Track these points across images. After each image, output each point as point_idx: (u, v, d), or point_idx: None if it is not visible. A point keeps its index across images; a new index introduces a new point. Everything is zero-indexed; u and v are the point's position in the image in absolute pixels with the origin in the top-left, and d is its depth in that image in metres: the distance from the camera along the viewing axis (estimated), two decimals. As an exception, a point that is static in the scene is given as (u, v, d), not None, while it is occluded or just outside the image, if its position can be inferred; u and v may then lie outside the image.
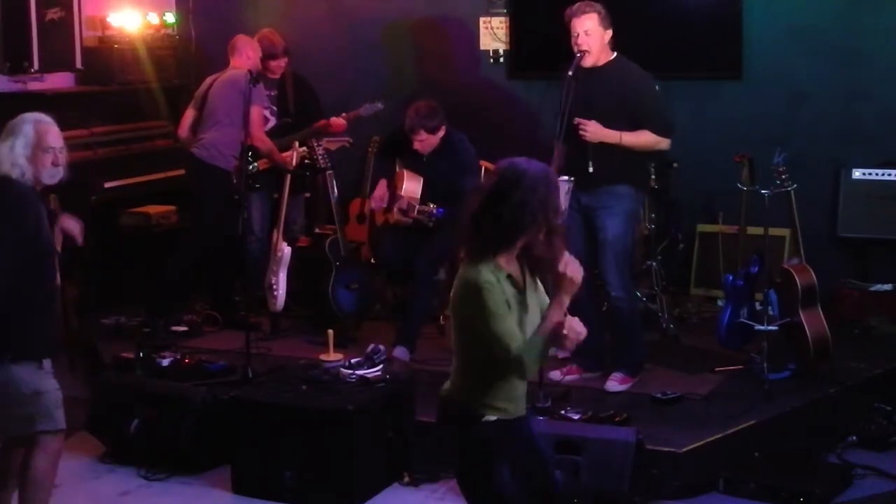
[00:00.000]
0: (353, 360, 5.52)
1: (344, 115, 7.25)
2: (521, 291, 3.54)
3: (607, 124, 5.49)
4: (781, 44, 7.07)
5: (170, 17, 8.25)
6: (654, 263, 6.63)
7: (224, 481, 5.27)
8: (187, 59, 8.31)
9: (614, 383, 5.68)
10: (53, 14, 7.44)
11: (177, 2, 8.51)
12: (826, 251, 6.76)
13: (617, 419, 5.16)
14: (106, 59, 7.76)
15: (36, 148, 4.28)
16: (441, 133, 6.30)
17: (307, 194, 7.50)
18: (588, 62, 5.52)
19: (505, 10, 7.75)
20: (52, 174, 4.35)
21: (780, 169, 5.75)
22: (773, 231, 6.03)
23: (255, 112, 6.55)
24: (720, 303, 6.50)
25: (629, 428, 4.98)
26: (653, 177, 6.63)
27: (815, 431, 5.47)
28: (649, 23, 7.17)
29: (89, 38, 7.82)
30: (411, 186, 6.38)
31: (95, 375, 5.95)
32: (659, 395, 5.53)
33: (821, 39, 6.99)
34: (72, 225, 4.77)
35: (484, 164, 6.36)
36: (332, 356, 5.99)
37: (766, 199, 5.70)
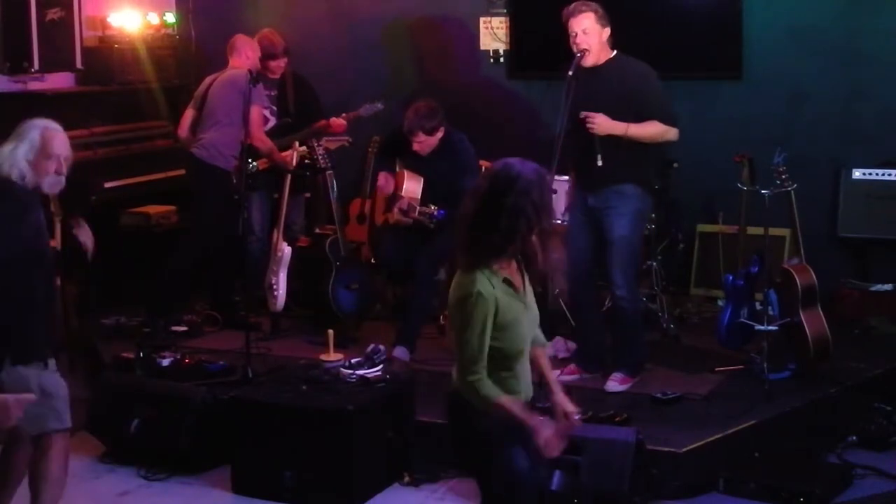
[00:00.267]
0: (353, 360, 5.52)
1: (344, 115, 7.25)
2: (518, 292, 3.56)
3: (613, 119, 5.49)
4: (781, 44, 7.07)
5: (170, 17, 8.25)
6: (654, 263, 6.63)
7: (224, 481, 5.27)
8: (187, 59, 8.31)
9: (614, 383, 5.68)
10: (53, 14, 7.44)
11: (177, 2, 8.51)
12: (826, 251, 6.76)
13: (617, 419, 5.15)
14: (106, 59, 7.76)
15: (40, 154, 4.26)
16: (440, 134, 6.30)
17: (307, 194, 7.50)
18: (588, 61, 5.52)
19: (505, 10, 7.76)
20: (53, 182, 4.32)
21: (780, 169, 5.75)
22: (774, 231, 6.03)
23: (255, 112, 6.56)
24: (720, 303, 6.50)
25: (629, 428, 4.98)
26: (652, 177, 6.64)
27: (815, 431, 5.47)
28: (649, 23, 7.17)
29: (89, 38, 7.82)
30: (412, 186, 6.38)
31: (95, 375, 5.94)
32: (659, 395, 5.53)
33: (821, 39, 6.99)
34: (86, 237, 4.76)
35: (484, 164, 6.36)
36: (332, 356, 5.99)
37: (767, 199, 5.70)
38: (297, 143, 6.86)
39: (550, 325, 5.59)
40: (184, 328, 6.84)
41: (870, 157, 6.93)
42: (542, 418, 3.59)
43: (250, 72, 6.50)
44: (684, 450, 4.98)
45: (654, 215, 6.66)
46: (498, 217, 3.45)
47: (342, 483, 5.03)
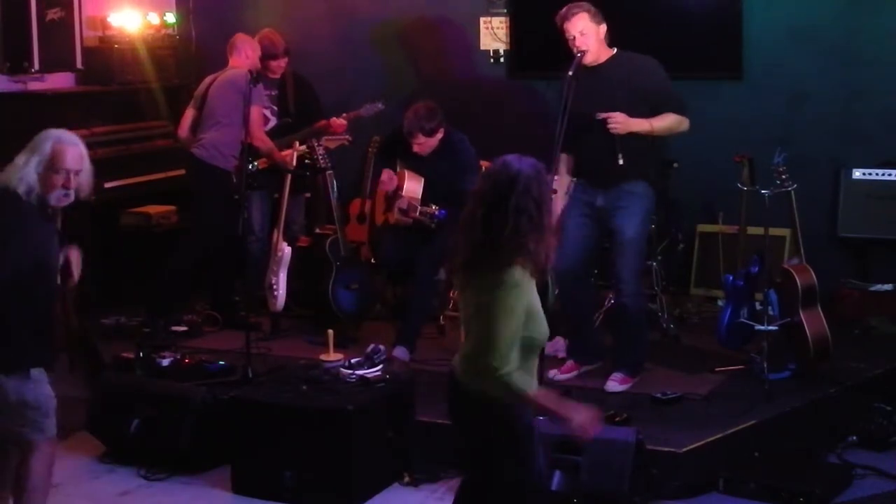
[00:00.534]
0: (353, 360, 5.52)
1: (344, 115, 7.25)
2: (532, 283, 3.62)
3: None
4: (781, 44, 7.08)
5: (170, 17, 8.25)
6: (654, 263, 6.63)
7: (224, 481, 5.26)
8: (187, 59, 8.31)
9: (614, 383, 5.68)
10: (53, 14, 7.44)
11: (177, 2, 8.51)
12: (826, 251, 6.76)
13: (617, 419, 5.15)
14: (106, 59, 7.76)
15: (48, 168, 4.20)
16: (439, 135, 6.29)
17: (307, 194, 7.50)
18: (588, 60, 5.51)
19: (505, 10, 7.76)
20: (60, 196, 4.24)
21: (780, 169, 5.75)
22: (774, 231, 6.03)
23: (255, 112, 6.55)
24: (720, 303, 6.50)
25: (629, 428, 4.98)
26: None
27: (815, 431, 5.47)
28: (649, 23, 7.17)
29: (89, 38, 7.82)
30: (412, 187, 6.38)
31: (95, 375, 5.94)
32: (659, 395, 5.53)
33: (821, 39, 6.99)
34: (74, 259, 4.55)
35: (484, 164, 6.36)
36: (332, 356, 5.99)
37: (767, 199, 5.70)
38: (297, 143, 6.86)
39: (551, 325, 5.57)
40: (184, 328, 6.84)
41: (870, 157, 6.93)
42: (574, 404, 3.59)
43: (250, 72, 6.50)
44: (684, 450, 4.98)
45: (654, 215, 6.66)
46: (505, 217, 3.49)
47: (342, 483, 5.03)
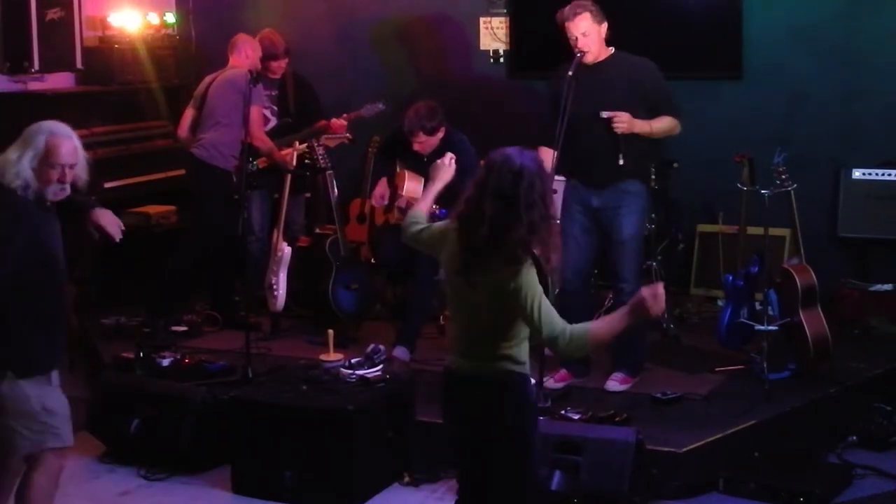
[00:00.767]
0: (353, 360, 5.52)
1: (345, 115, 7.25)
2: None
3: None
4: (781, 44, 7.08)
5: (170, 17, 8.25)
6: (654, 263, 6.63)
7: (224, 481, 5.27)
8: (187, 59, 8.31)
9: (615, 383, 5.68)
10: (53, 14, 7.44)
11: (177, 2, 8.52)
12: (826, 251, 6.76)
13: (617, 419, 5.16)
14: (106, 59, 7.76)
15: (42, 162, 4.09)
16: (440, 134, 6.30)
17: (307, 194, 7.50)
18: (587, 59, 5.50)
19: (505, 10, 7.76)
20: (56, 191, 4.16)
21: (780, 169, 5.75)
22: (773, 231, 6.03)
23: (255, 112, 6.55)
24: (720, 303, 6.50)
25: (629, 428, 4.98)
26: (653, 177, 6.63)
27: (815, 431, 5.47)
28: (649, 23, 7.17)
29: (89, 38, 7.83)
30: (412, 186, 6.38)
31: (95, 375, 5.94)
32: (659, 395, 5.52)
33: (821, 39, 6.99)
34: (108, 220, 4.46)
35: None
36: (332, 356, 5.99)
37: (766, 199, 5.70)
38: (297, 143, 6.86)
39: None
40: (184, 328, 6.84)
41: (870, 157, 6.93)
42: (622, 310, 3.65)
43: (250, 72, 6.50)
44: (684, 450, 4.98)
45: (654, 215, 6.67)
46: (516, 213, 3.54)
47: (342, 483, 5.03)
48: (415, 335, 6.25)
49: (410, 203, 6.30)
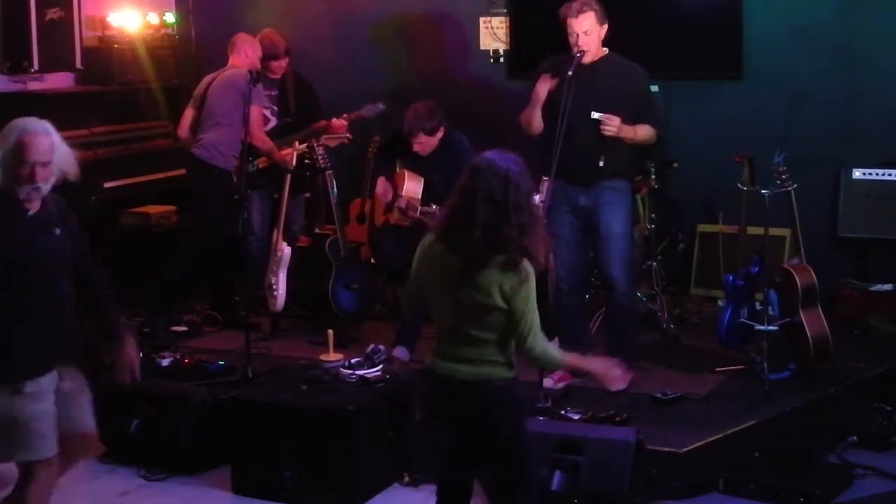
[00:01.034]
0: (353, 360, 5.52)
1: (345, 115, 7.24)
2: None
3: None
4: (781, 44, 7.07)
5: (170, 17, 8.25)
6: (654, 263, 6.63)
7: (224, 481, 5.27)
8: (187, 59, 8.31)
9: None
10: (53, 14, 7.44)
11: (177, 2, 8.51)
12: (826, 251, 6.76)
13: (617, 419, 5.16)
14: (106, 59, 7.76)
15: (14, 160, 3.94)
16: (440, 134, 6.29)
17: (307, 194, 7.50)
18: (585, 59, 5.50)
19: (505, 10, 7.76)
20: (29, 190, 3.98)
21: (781, 169, 5.75)
22: (774, 231, 6.03)
23: (255, 111, 6.55)
24: (720, 303, 6.49)
25: (629, 428, 4.98)
26: (653, 177, 6.64)
27: (815, 431, 5.47)
28: (649, 23, 7.17)
29: (89, 38, 7.82)
30: (412, 186, 6.38)
31: (95, 375, 5.93)
32: (659, 395, 5.52)
33: (821, 39, 6.99)
34: (125, 362, 4.44)
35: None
36: (332, 356, 5.99)
37: (767, 199, 5.70)
38: (297, 143, 6.86)
39: (550, 327, 5.55)
40: (184, 328, 6.84)
41: (870, 157, 6.93)
42: (594, 358, 4.05)
43: (250, 71, 6.50)
44: (684, 450, 4.98)
45: (654, 215, 6.67)
46: (505, 216, 3.64)
47: (342, 483, 5.03)
48: (415, 335, 6.25)
49: (411, 203, 6.30)
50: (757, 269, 5.91)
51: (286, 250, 6.71)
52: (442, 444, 3.97)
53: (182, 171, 7.32)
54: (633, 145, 5.64)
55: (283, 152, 6.85)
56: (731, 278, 5.97)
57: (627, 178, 5.72)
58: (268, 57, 7.05)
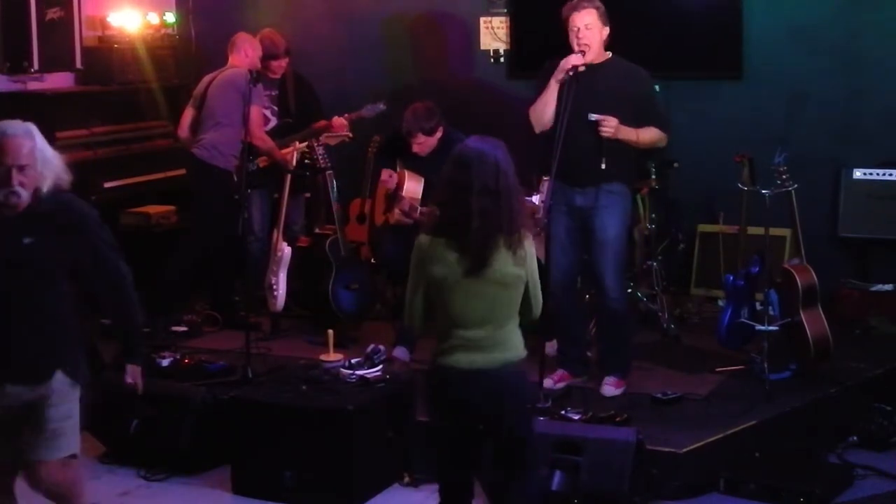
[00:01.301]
0: (353, 360, 5.52)
1: (346, 115, 7.23)
2: None
3: None
4: (781, 44, 7.07)
5: (170, 17, 8.25)
6: (654, 263, 6.63)
7: (224, 481, 5.27)
8: (187, 58, 8.31)
9: (610, 388, 5.64)
10: (53, 14, 7.44)
11: (177, 2, 8.51)
12: (826, 251, 6.76)
13: (617, 419, 5.15)
14: (106, 58, 7.76)
15: None
16: (439, 134, 6.29)
17: (307, 194, 7.50)
18: (587, 59, 5.48)
19: (505, 10, 7.76)
20: (7, 194, 3.83)
21: (781, 169, 5.75)
22: (774, 231, 6.03)
23: (255, 111, 6.55)
24: (721, 303, 6.49)
25: (629, 428, 4.98)
26: (653, 177, 6.64)
27: (815, 431, 5.48)
28: (649, 23, 7.17)
29: (89, 38, 7.82)
30: (412, 187, 6.38)
31: (95, 375, 5.93)
32: (659, 395, 5.52)
33: (821, 39, 6.99)
34: (129, 382, 4.32)
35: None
36: (332, 356, 5.98)
37: (767, 199, 5.70)
38: (297, 143, 6.86)
39: (550, 327, 5.56)
40: (184, 328, 6.84)
41: (870, 157, 6.93)
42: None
43: (250, 71, 6.50)
44: (684, 450, 4.98)
45: (654, 215, 6.67)
46: (499, 202, 3.75)
47: (342, 483, 5.03)
48: (415, 335, 6.24)
49: (412, 203, 6.30)
50: (757, 269, 5.91)
51: (286, 250, 6.71)
52: (447, 445, 3.97)
53: (182, 171, 7.32)
54: (638, 148, 5.62)
55: (284, 151, 6.86)
56: (731, 278, 5.97)
57: (627, 182, 5.67)
58: (268, 57, 7.05)
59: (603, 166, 5.45)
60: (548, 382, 5.62)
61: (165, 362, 5.92)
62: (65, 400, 4.05)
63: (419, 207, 6.28)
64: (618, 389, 5.64)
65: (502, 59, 7.82)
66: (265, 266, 6.78)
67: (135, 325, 4.29)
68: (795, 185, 5.77)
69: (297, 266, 6.82)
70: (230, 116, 6.67)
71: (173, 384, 5.65)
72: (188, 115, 7.01)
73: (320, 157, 6.73)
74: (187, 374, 5.83)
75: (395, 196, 6.47)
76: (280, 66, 7.18)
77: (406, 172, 6.45)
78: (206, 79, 6.96)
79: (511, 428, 3.91)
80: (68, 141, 6.96)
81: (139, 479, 5.39)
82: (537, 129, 5.50)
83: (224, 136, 6.73)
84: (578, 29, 5.46)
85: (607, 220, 5.54)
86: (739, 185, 6.07)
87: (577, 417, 5.16)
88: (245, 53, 6.88)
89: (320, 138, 6.93)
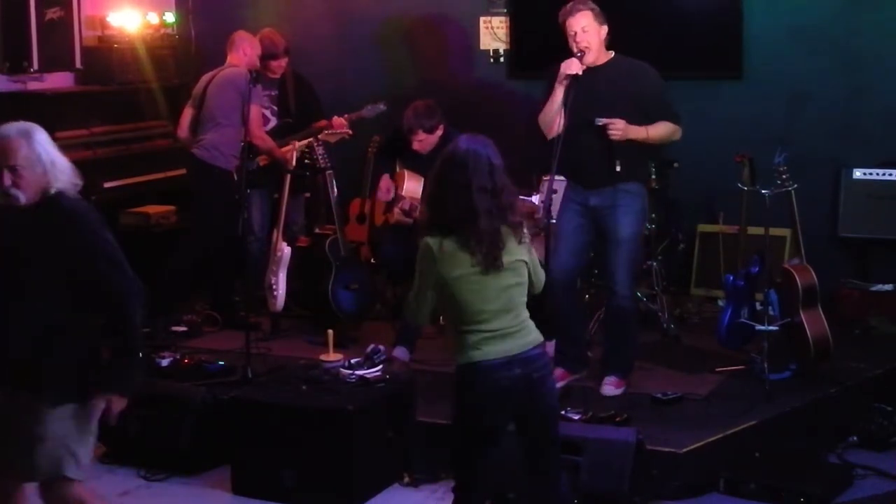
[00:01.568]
0: (353, 360, 5.52)
1: (346, 115, 7.23)
2: None
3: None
4: (781, 44, 7.07)
5: (169, 17, 8.25)
6: (655, 263, 6.63)
7: (224, 481, 5.26)
8: (187, 58, 8.30)
9: (610, 388, 5.64)
10: (53, 14, 7.44)
11: (176, 1, 8.51)
12: (826, 251, 6.76)
13: (617, 419, 5.15)
14: (106, 58, 7.76)
15: None
16: (439, 132, 6.30)
17: (307, 194, 7.50)
18: (587, 60, 5.48)
19: (505, 10, 7.76)
20: (5, 195, 3.79)
21: (781, 169, 5.74)
22: (774, 231, 6.03)
23: (254, 110, 6.55)
24: (721, 303, 6.49)
25: (629, 428, 4.98)
26: (653, 177, 6.63)
27: (815, 431, 5.48)
28: (649, 23, 7.17)
29: (89, 38, 7.82)
30: (412, 186, 6.38)
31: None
32: (659, 395, 5.52)
33: (821, 39, 6.99)
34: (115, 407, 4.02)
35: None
36: (332, 356, 5.98)
37: (767, 199, 5.70)
38: (297, 142, 6.85)
39: (550, 327, 5.55)
40: (184, 328, 6.83)
41: (870, 157, 6.93)
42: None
43: (250, 71, 6.50)
44: (684, 450, 4.98)
45: (654, 215, 6.66)
46: (496, 199, 3.87)
47: (342, 483, 5.03)
48: (415, 335, 6.25)
49: (412, 204, 6.30)
50: (757, 269, 5.91)
51: (286, 250, 6.70)
52: (473, 442, 4.03)
53: (182, 171, 7.32)
54: (651, 144, 5.61)
55: (284, 149, 6.85)
56: (731, 278, 5.96)
57: (641, 181, 5.68)
58: (267, 56, 7.05)
59: (618, 168, 5.44)
60: None
61: (165, 362, 5.92)
62: (51, 420, 3.88)
63: (419, 207, 6.28)
64: (618, 389, 5.64)
65: (502, 59, 7.82)
66: (265, 266, 6.78)
67: (129, 348, 4.03)
68: (795, 185, 5.77)
69: (297, 266, 6.82)
70: (229, 117, 6.67)
71: (173, 384, 5.66)
72: (187, 114, 7.00)
73: (320, 156, 6.73)
74: (187, 374, 5.83)
75: (395, 196, 6.47)
76: (280, 65, 7.18)
77: (406, 172, 6.45)
78: (205, 78, 6.95)
79: (545, 419, 4.05)
80: (68, 141, 6.95)
81: (139, 479, 5.39)
82: (548, 136, 5.48)
83: (224, 136, 6.73)
84: (575, 33, 5.46)
85: (622, 219, 5.53)
86: (739, 185, 6.07)
87: (577, 417, 5.16)
88: (243, 52, 6.87)
89: (319, 136, 6.92)
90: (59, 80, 7.65)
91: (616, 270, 5.57)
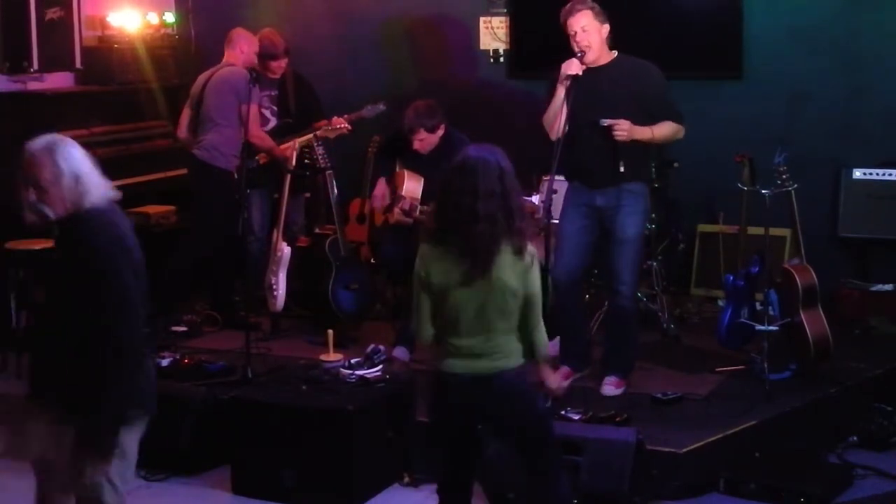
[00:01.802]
0: (353, 360, 5.52)
1: (346, 115, 7.22)
2: None
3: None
4: (781, 44, 7.07)
5: (169, 17, 8.25)
6: (655, 263, 6.63)
7: (224, 481, 5.26)
8: (187, 58, 8.30)
9: (611, 388, 5.65)
10: (53, 14, 7.44)
11: (176, 1, 8.51)
12: (826, 251, 6.76)
13: (617, 419, 5.15)
14: (106, 58, 7.76)
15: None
16: (440, 132, 6.30)
17: (307, 194, 7.50)
18: (589, 59, 5.48)
19: (505, 10, 7.76)
20: (31, 210, 3.81)
21: (781, 169, 5.74)
22: (774, 231, 6.03)
23: (252, 110, 6.54)
24: (721, 303, 6.48)
25: (629, 428, 4.98)
26: (653, 176, 6.63)
27: (815, 431, 5.47)
28: (649, 23, 7.17)
29: (89, 38, 7.82)
30: (412, 186, 6.38)
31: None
32: (659, 395, 5.52)
33: (821, 39, 6.99)
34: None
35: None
36: (332, 356, 5.99)
37: (767, 199, 5.70)
38: (296, 142, 6.85)
39: (550, 327, 5.54)
40: (184, 328, 6.83)
41: (870, 157, 6.93)
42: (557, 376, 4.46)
43: (250, 71, 6.50)
44: (684, 450, 4.98)
45: (654, 215, 6.66)
46: (503, 206, 3.81)
47: (342, 483, 5.03)
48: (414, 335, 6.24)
49: (412, 203, 6.30)
50: (757, 269, 5.91)
51: (286, 250, 6.70)
52: (446, 445, 4.01)
53: (182, 171, 7.32)
54: (654, 144, 5.62)
55: (283, 147, 6.85)
56: (731, 278, 5.96)
57: (645, 181, 5.69)
58: (267, 57, 7.05)
59: (622, 169, 5.44)
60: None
61: (165, 362, 5.91)
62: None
63: (419, 207, 6.28)
64: (618, 389, 5.65)
65: (502, 59, 7.82)
66: (265, 266, 6.78)
67: (104, 403, 3.98)
68: (795, 185, 5.77)
69: (297, 266, 6.82)
70: (227, 117, 6.67)
71: (173, 384, 5.64)
72: (186, 114, 7.01)
73: (320, 156, 6.73)
74: (187, 374, 5.83)
75: (395, 196, 6.47)
76: (279, 66, 7.18)
77: (406, 172, 6.45)
78: (202, 77, 6.95)
79: (523, 429, 3.97)
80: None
81: (139, 479, 5.36)
82: (552, 137, 5.48)
83: (223, 136, 6.73)
84: (576, 32, 5.46)
85: (627, 219, 5.54)
86: (739, 185, 6.07)
87: (577, 417, 5.16)
88: (241, 49, 6.87)
89: (318, 133, 6.91)
90: (59, 80, 7.66)
91: (621, 270, 5.57)
